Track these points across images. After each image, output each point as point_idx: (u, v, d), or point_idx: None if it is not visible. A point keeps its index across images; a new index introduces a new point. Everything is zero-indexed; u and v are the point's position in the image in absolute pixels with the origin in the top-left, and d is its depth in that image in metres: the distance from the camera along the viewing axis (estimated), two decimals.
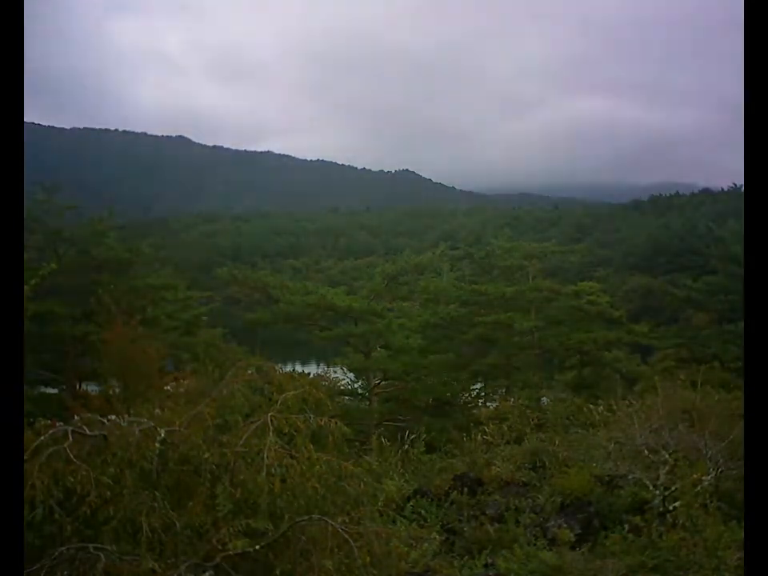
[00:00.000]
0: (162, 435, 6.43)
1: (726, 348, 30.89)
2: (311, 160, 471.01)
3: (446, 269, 45.11)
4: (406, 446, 17.28)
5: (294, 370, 21.83)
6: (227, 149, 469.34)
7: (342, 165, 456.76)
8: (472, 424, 21.80)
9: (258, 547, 6.16)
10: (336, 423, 7.02)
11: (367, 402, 28.08)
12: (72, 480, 5.79)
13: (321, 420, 6.94)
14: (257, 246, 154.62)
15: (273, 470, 6.29)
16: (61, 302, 25.00)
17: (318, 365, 28.45)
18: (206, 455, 6.35)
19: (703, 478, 12.38)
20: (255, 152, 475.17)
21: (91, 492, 5.78)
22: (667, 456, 12.90)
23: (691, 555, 10.13)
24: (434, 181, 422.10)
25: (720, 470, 12.53)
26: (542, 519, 12.50)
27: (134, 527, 5.90)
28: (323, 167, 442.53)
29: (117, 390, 20.48)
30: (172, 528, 6.01)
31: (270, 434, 6.53)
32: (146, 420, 6.62)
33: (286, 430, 6.72)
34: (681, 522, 11.14)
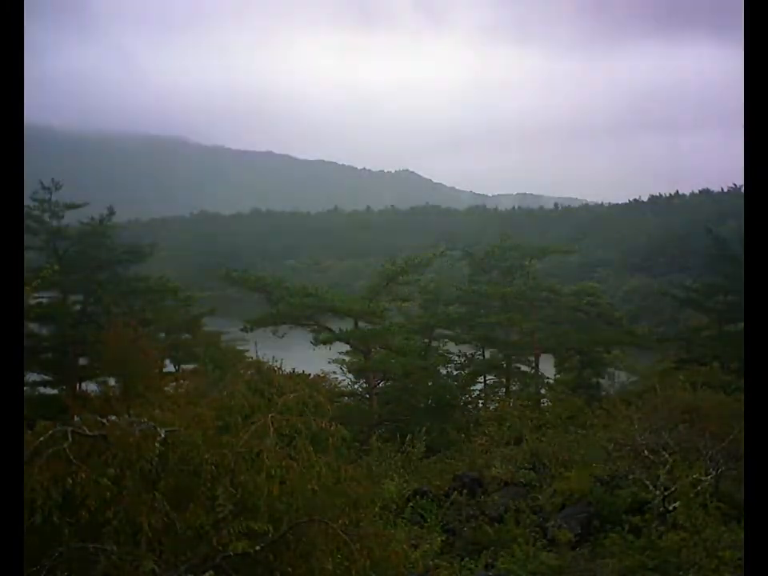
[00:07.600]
0: (163, 436, 6.41)
1: (725, 349, 30.87)
2: (311, 160, 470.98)
3: (446, 269, 45.14)
4: (406, 447, 17.25)
5: (294, 370, 21.81)
6: (227, 149, 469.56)
7: (342, 165, 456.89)
8: (472, 425, 21.80)
9: (257, 548, 6.15)
10: (336, 426, 7.01)
11: (367, 403, 28.10)
12: (72, 481, 5.78)
13: (321, 422, 6.94)
14: (257, 246, 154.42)
15: (273, 472, 6.28)
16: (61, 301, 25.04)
17: (318, 365, 28.39)
18: (206, 456, 6.34)
19: (703, 478, 12.36)
20: (255, 152, 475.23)
21: (91, 493, 5.77)
22: (667, 456, 12.88)
23: (691, 555, 10.11)
24: (434, 181, 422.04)
25: (720, 470, 12.51)
26: (541, 519, 12.48)
27: (134, 528, 5.89)
28: (323, 167, 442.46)
29: (117, 391, 20.48)
30: (172, 529, 5.99)
31: (271, 435, 6.53)
32: (145, 420, 6.60)
33: (286, 432, 6.72)
34: (680, 522, 11.11)
